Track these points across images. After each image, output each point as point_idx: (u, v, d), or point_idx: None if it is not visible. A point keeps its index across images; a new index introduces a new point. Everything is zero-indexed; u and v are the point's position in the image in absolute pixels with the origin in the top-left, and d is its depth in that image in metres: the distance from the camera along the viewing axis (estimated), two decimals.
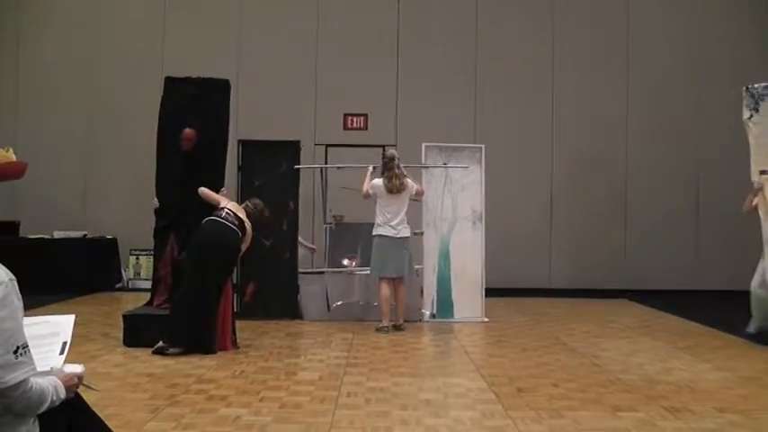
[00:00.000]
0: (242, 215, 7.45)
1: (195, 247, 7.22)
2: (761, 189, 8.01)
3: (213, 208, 7.43)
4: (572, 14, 13.31)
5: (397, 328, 8.62)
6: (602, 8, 13.39)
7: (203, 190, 7.55)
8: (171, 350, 6.91)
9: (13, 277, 2.45)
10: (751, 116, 8.17)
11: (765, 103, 8.09)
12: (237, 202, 7.89)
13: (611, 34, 13.29)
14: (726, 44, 13.16)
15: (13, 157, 2.40)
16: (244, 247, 7.53)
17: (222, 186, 7.90)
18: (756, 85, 8.19)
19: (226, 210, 7.37)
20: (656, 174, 13.00)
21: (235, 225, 7.29)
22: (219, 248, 7.15)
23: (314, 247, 10.75)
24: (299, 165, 9.66)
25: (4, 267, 2.44)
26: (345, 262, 9.98)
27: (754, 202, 8.15)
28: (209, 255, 7.09)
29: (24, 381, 2.40)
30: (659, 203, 12.94)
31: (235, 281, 9.33)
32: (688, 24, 13.27)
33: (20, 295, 2.45)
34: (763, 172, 8.02)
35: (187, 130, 7.97)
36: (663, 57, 12.96)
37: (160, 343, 6.92)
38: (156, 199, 8.26)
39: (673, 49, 13.10)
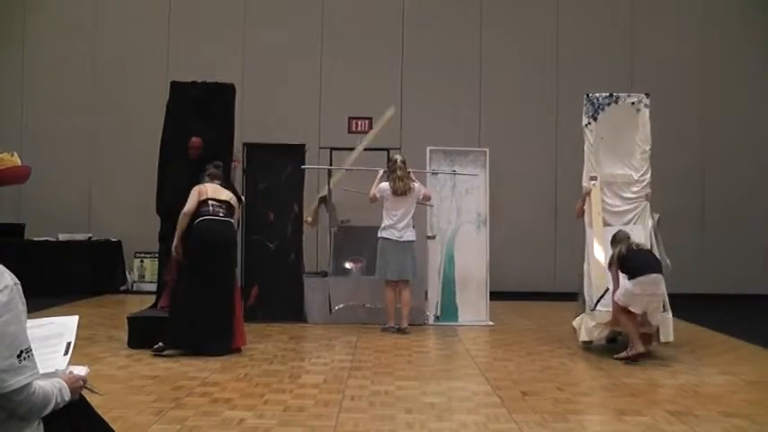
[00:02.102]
0: (224, 196, 7.31)
1: (192, 251, 7.16)
2: (588, 194, 8.11)
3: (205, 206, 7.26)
4: (575, 17, 13.32)
5: (400, 331, 8.61)
6: (605, 9, 13.39)
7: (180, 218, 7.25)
8: (168, 351, 6.92)
9: (18, 281, 2.44)
10: (588, 123, 8.29)
11: (604, 113, 8.24)
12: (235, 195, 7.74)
13: (614, 35, 13.29)
14: (729, 45, 13.18)
15: (18, 162, 2.41)
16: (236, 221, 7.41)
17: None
18: (597, 95, 8.32)
19: (210, 203, 7.21)
20: (661, 176, 12.86)
21: (224, 215, 7.19)
22: (216, 247, 7.09)
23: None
24: (305, 166, 9.64)
25: (8, 271, 2.43)
26: (348, 265, 9.97)
27: (584, 207, 8.19)
28: (208, 256, 7.05)
29: (28, 385, 2.40)
30: (664, 206, 12.85)
31: (239, 284, 9.36)
32: (691, 24, 13.29)
33: (24, 299, 2.45)
34: (592, 178, 8.15)
35: (194, 139, 7.97)
36: (667, 57, 12.94)
37: (159, 343, 6.93)
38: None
39: (677, 50, 13.09)
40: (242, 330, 7.32)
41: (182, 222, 7.22)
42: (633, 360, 6.91)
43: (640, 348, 6.92)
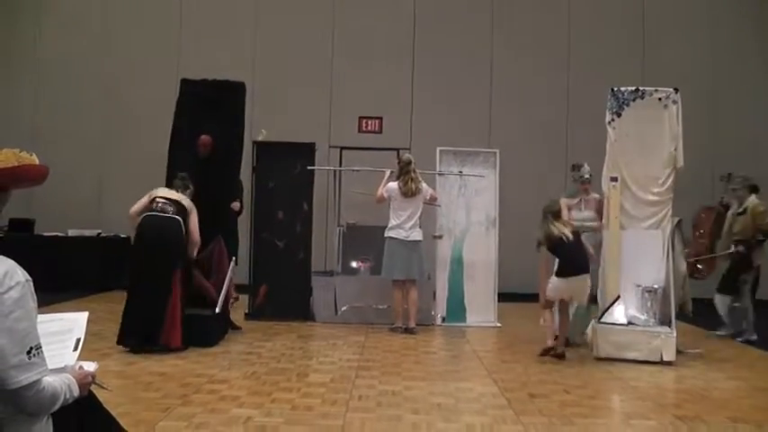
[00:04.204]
0: (177, 197, 7.28)
1: (136, 246, 7.17)
2: (608, 197, 7.74)
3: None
4: (587, 20, 13.28)
5: (408, 331, 8.61)
6: (616, 13, 13.36)
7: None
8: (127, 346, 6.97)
9: (30, 278, 2.45)
10: (611, 120, 7.68)
11: (629, 108, 7.64)
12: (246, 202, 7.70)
13: (626, 38, 13.25)
14: (740, 49, 13.14)
15: (37, 162, 2.42)
16: (193, 226, 7.27)
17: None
18: (623, 89, 7.70)
19: (157, 200, 7.20)
20: None
21: (172, 212, 7.16)
22: (160, 242, 7.05)
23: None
24: (313, 167, 9.63)
25: (20, 268, 2.45)
26: (356, 265, 9.97)
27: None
28: (151, 251, 7.02)
29: (37, 381, 2.40)
30: (675, 208, 12.85)
31: (247, 282, 9.38)
32: (703, 27, 13.26)
33: (35, 296, 2.46)
34: (612, 179, 7.68)
35: (204, 137, 7.98)
36: (678, 60, 12.89)
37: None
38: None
39: (688, 53, 13.05)
40: (172, 329, 7.05)
41: (130, 220, 7.27)
42: (545, 354, 7.28)
43: (549, 343, 7.34)
